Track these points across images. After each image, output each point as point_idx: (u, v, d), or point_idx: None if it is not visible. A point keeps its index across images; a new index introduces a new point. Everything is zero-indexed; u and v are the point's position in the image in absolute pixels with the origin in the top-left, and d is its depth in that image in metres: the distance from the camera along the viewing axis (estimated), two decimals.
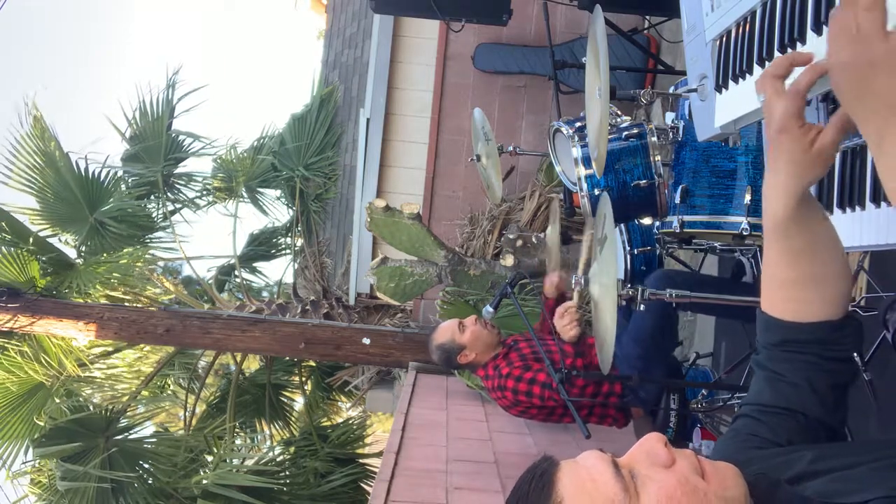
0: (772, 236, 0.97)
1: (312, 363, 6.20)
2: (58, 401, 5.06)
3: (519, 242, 4.75)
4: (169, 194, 6.08)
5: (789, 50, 1.15)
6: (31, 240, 5.14)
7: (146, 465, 4.90)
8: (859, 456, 0.85)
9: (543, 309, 2.94)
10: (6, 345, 5.01)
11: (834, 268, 0.97)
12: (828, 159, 0.89)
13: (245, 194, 6.38)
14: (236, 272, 6.45)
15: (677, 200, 2.27)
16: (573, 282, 2.28)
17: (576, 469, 0.79)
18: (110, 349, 5.60)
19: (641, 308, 2.23)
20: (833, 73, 0.79)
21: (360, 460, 5.48)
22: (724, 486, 0.75)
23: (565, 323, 2.52)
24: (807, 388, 0.98)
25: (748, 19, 1.29)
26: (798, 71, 0.91)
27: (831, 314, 0.97)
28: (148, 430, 5.54)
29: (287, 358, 5.91)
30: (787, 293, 0.99)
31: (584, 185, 2.54)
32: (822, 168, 0.90)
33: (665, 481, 0.75)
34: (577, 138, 2.53)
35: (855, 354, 1.01)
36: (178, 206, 6.22)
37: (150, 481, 4.82)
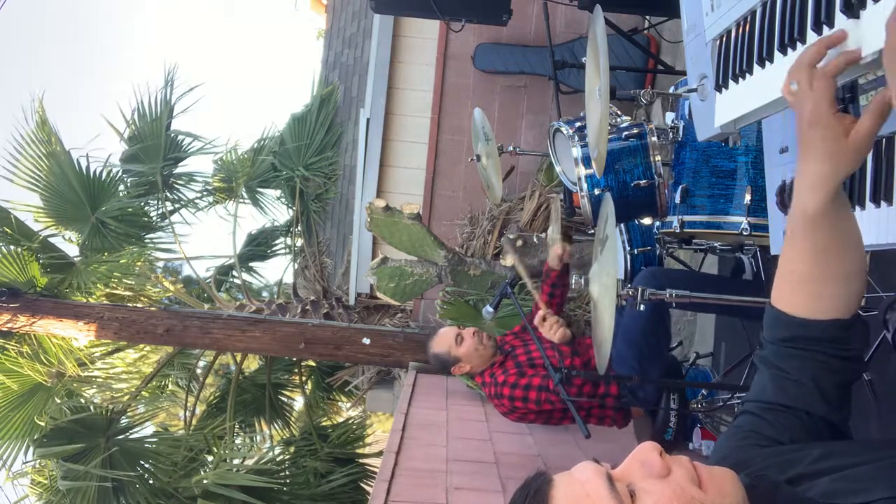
0: (799, 230, 0.95)
1: (312, 363, 6.20)
2: (58, 401, 5.06)
3: (519, 242, 4.75)
4: (168, 194, 6.07)
5: (789, 50, 1.14)
6: (34, 239, 5.15)
7: (147, 465, 4.90)
8: (864, 455, 0.85)
9: (546, 279, 2.90)
10: (6, 345, 5.01)
11: (854, 266, 0.96)
12: (864, 149, 0.87)
13: (245, 194, 6.38)
14: (235, 272, 6.45)
15: (677, 200, 2.27)
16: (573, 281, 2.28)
17: (570, 484, 0.78)
18: (110, 349, 5.60)
19: (641, 308, 2.23)
20: (890, 30, 0.75)
21: (360, 460, 5.48)
22: (721, 494, 0.74)
23: (548, 328, 2.54)
24: (812, 386, 0.98)
25: (748, 19, 1.29)
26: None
27: (843, 313, 0.96)
28: (148, 429, 5.55)
29: (287, 358, 5.91)
30: (804, 289, 0.97)
31: (584, 185, 2.54)
32: (857, 159, 0.88)
33: (661, 493, 0.74)
34: (577, 138, 2.53)
35: None
36: (177, 206, 6.21)
37: (150, 481, 4.82)
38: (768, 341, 1.02)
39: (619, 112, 2.62)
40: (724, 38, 1.38)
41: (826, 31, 1.04)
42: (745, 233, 2.12)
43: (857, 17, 0.96)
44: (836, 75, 0.87)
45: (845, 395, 1.00)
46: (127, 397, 5.41)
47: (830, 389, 0.98)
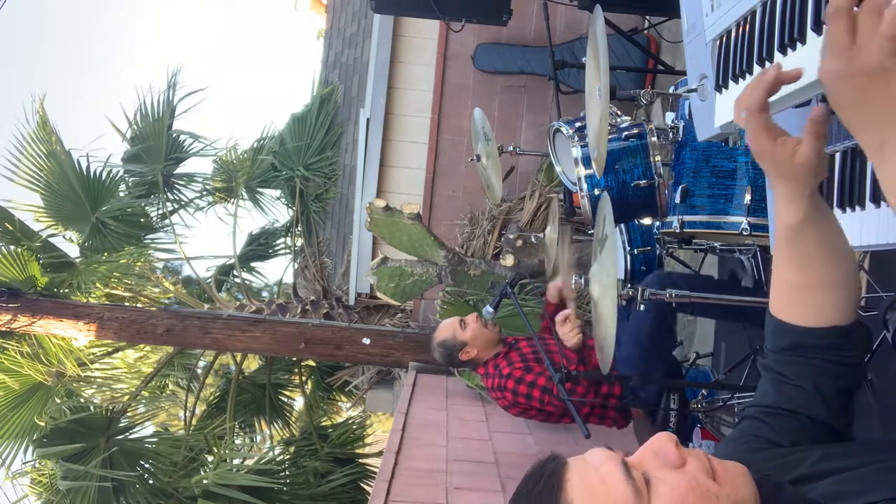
0: (783, 240, 0.96)
1: (312, 363, 6.20)
2: (58, 401, 5.06)
3: (519, 242, 4.75)
4: (169, 194, 6.08)
5: (789, 50, 1.14)
6: (34, 239, 5.15)
7: (147, 465, 4.90)
8: (864, 457, 0.85)
9: (545, 311, 2.93)
10: (6, 345, 5.01)
11: (844, 272, 0.96)
12: (816, 167, 0.88)
13: (245, 194, 6.38)
14: (235, 272, 6.45)
15: (677, 200, 2.27)
16: (573, 282, 2.28)
17: (585, 469, 0.77)
18: (110, 349, 5.60)
19: (641, 308, 2.23)
20: (825, 84, 0.75)
21: (360, 460, 5.48)
22: (735, 487, 0.74)
23: (567, 330, 2.52)
24: (814, 392, 0.98)
25: (748, 19, 1.28)
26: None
27: (841, 319, 0.97)
28: (148, 429, 5.55)
29: (287, 358, 5.91)
30: (797, 298, 0.98)
31: (584, 185, 2.54)
32: (818, 174, 0.89)
33: (676, 483, 0.73)
34: (577, 138, 2.53)
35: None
36: (177, 206, 6.22)
37: (150, 481, 4.82)
38: (770, 350, 1.03)
39: (619, 112, 2.62)
40: (724, 38, 1.38)
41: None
42: (745, 233, 2.12)
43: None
44: (761, 105, 0.86)
45: (847, 401, 1.00)
46: (127, 397, 5.41)
47: (832, 394, 0.98)
